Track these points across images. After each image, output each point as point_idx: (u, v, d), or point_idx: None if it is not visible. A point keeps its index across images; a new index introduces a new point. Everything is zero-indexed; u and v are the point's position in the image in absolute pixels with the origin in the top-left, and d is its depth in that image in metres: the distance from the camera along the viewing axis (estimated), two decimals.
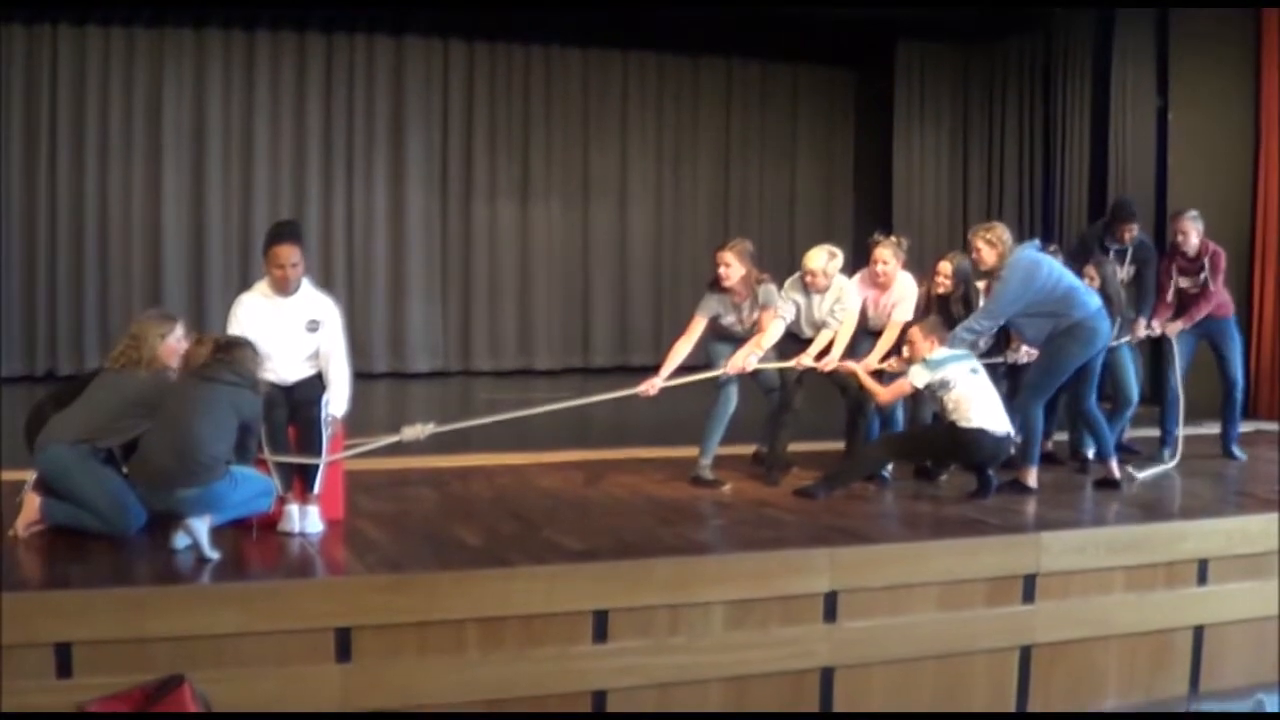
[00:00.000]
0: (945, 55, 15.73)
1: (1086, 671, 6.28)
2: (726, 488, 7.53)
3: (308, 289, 6.60)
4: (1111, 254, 8.83)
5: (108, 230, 14.00)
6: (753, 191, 16.64)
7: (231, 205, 14.47)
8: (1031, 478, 7.44)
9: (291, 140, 14.72)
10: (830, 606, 5.79)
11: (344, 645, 5.12)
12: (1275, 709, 5.81)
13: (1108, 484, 7.67)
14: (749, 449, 8.27)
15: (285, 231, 6.67)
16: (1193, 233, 8.73)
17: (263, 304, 6.48)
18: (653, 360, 15.68)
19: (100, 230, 13.98)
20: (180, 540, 5.71)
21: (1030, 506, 7.11)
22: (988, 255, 7.41)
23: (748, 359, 7.52)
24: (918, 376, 7.24)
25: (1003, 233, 7.47)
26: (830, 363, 7.61)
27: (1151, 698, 6.35)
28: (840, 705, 5.81)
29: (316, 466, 6.29)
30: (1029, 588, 6.15)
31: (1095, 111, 13.42)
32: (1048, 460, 8.36)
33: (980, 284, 7.96)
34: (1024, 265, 7.35)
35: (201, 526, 5.64)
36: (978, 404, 7.14)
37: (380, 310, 15.09)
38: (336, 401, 6.50)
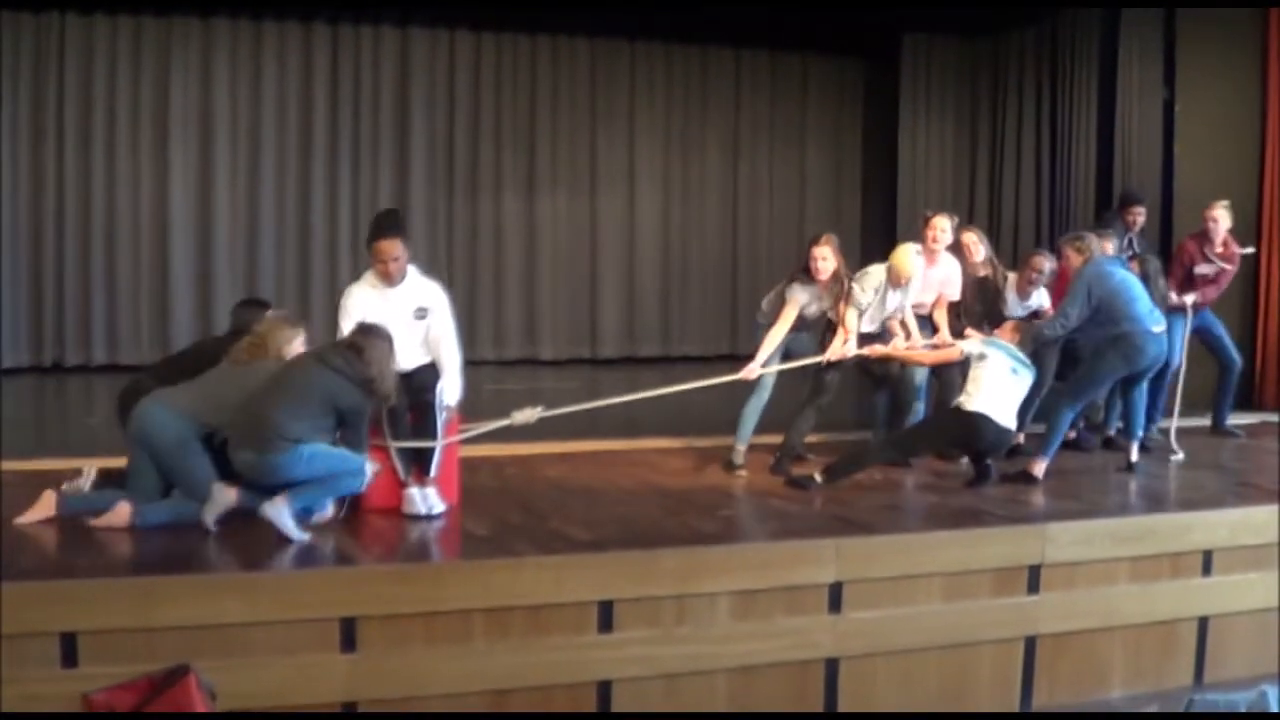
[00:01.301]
0: (951, 48, 15.72)
1: (1091, 662, 6.28)
2: (742, 472, 7.64)
3: (414, 276, 6.66)
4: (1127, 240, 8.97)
5: (114, 220, 14.03)
6: (761, 181, 16.63)
7: (238, 195, 14.49)
8: (1039, 469, 7.46)
9: (298, 130, 14.73)
10: (835, 597, 5.80)
11: (350, 635, 5.13)
12: (1279, 702, 5.79)
13: (1129, 468, 7.86)
14: (761, 439, 8.24)
15: (387, 225, 6.67)
16: (1224, 220, 8.99)
17: (371, 294, 6.55)
18: (661, 351, 15.85)
19: (107, 220, 14.01)
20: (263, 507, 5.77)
21: (1036, 497, 7.12)
22: (1075, 261, 7.80)
23: (846, 346, 7.73)
24: (970, 345, 7.49)
25: (1093, 244, 7.85)
26: (915, 337, 7.99)
27: (1156, 688, 6.35)
28: (845, 696, 5.82)
29: (433, 451, 6.43)
30: (1034, 578, 6.15)
31: (1102, 103, 13.40)
32: (1107, 446, 8.68)
33: (1010, 275, 8.39)
34: (1092, 271, 7.66)
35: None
36: (992, 391, 7.18)
37: None
38: (450, 390, 6.61)
